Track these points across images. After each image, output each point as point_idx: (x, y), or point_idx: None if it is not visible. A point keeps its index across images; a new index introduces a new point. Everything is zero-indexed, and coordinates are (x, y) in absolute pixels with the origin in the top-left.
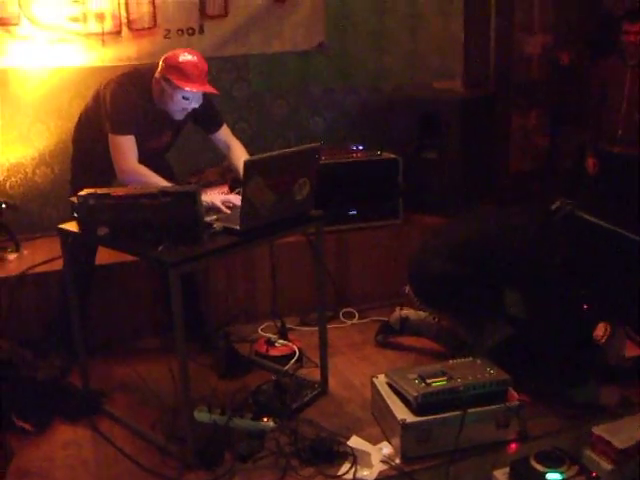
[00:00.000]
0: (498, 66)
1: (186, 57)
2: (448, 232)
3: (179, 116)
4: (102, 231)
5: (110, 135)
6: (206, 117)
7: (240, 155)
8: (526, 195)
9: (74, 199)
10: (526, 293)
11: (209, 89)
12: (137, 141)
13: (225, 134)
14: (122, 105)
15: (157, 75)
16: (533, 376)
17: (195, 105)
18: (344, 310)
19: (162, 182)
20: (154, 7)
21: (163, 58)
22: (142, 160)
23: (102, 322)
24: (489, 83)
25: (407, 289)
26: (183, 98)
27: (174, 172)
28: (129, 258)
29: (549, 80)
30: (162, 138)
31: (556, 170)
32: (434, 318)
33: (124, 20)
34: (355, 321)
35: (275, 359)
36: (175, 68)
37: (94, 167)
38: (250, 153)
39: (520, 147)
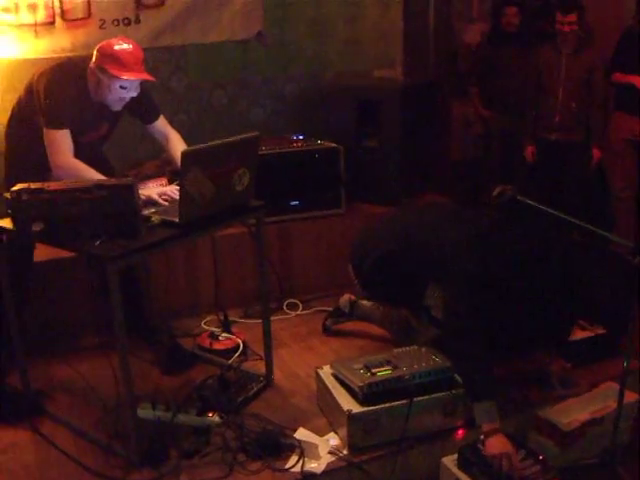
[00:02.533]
0: (437, 54)
1: (121, 45)
2: (392, 217)
3: (117, 107)
4: (37, 227)
5: (45, 129)
6: (143, 107)
7: (178, 146)
8: (466, 183)
9: (7, 195)
10: (449, 294)
11: (147, 77)
12: (73, 134)
13: (162, 125)
14: (57, 98)
15: (92, 65)
16: None
17: (133, 94)
18: (288, 301)
19: (98, 176)
20: None
21: (97, 48)
22: (78, 153)
23: (41, 321)
24: (429, 71)
25: (350, 270)
26: (120, 87)
27: (112, 166)
28: (67, 254)
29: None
30: (99, 130)
31: (494, 158)
32: (379, 306)
33: (57, 10)
34: (299, 312)
35: (219, 353)
36: (111, 57)
37: (29, 163)
38: (189, 144)
39: (459, 135)
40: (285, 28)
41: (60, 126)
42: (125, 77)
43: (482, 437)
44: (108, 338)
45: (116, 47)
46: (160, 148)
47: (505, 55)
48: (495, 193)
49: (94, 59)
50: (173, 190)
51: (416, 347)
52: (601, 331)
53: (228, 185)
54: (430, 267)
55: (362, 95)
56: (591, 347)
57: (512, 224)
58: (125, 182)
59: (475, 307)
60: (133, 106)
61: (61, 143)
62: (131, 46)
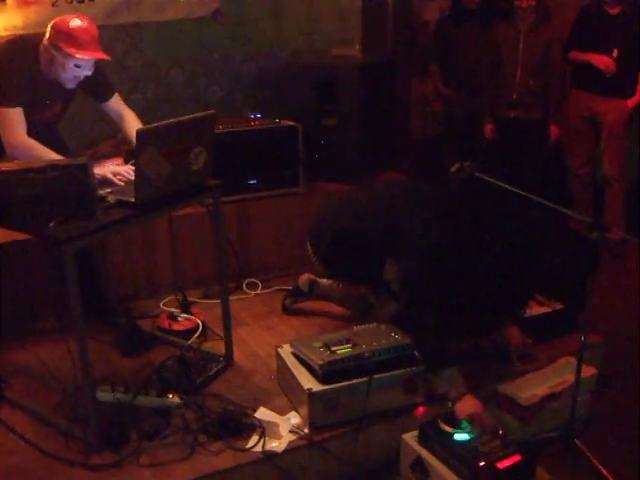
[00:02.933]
0: (396, 32)
1: (76, 23)
2: (350, 196)
3: (70, 85)
4: None
5: None
6: (97, 85)
7: (133, 124)
8: (426, 160)
9: None
10: (407, 268)
11: (102, 56)
12: (25, 113)
13: (117, 103)
14: (7, 75)
15: (45, 42)
16: None
17: (88, 73)
18: (247, 281)
19: (53, 155)
20: None
21: (51, 24)
22: (32, 132)
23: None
24: (387, 49)
25: (308, 246)
26: (75, 66)
27: (67, 145)
28: (22, 236)
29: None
30: (52, 108)
31: (452, 136)
32: (339, 285)
33: None
34: (259, 291)
35: (179, 334)
36: (65, 34)
37: None
38: (145, 124)
39: (420, 113)
40: (243, 6)
41: (12, 104)
42: (80, 56)
43: (451, 404)
44: (66, 321)
45: (71, 24)
46: (116, 127)
47: (465, 32)
48: (453, 169)
49: (47, 36)
50: (128, 170)
51: (376, 324)
52: (559, 306)
53: (184, 164)
54: (387, 241)
55: (320, 73)
56: (549, 322)
57: (469, 200)
58: (79, 161)
59: (430, 279)
60: (87, 84)
61: (13, 122)
62: (86, 23)
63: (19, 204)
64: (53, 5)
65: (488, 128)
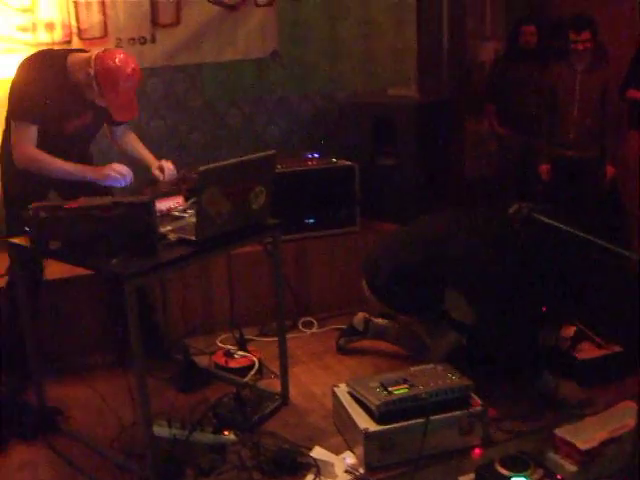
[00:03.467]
0: (451, 72)
1: (126, 83)
2: (404, 230)
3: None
4: (54, 244)
5: (12, 122)
6: None
7: (135, 139)
8: (480, 200)
9: (25, 212)
10: (473, 295)
11: (135, 114)
12: (54, 124)
13: (125, 126)
14: (31, 91)
15: (90, 71)
16: (493, 378)
17: None
18: (303, 319)
19: (64, 165)
20: (105, 16)
21: (99, 58)
22: (63, 143)
23: (56, 339)
24: (443, 89)
25: (362, 285)
26: None
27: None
28: (82, 271)
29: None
30: (82, 118)
31: (507, 176)
32: (394, 324)
33: (74, 30)
34: (315, 330)
35: (235, 371)
36: (112, 87)
37: (26, 181)
38: (204, 163)
39: (474, 152)
40: (300, 47)
41: (28, 120)
42: (119, 118)
43: None
44: (123, 356)
45: (121, 86)
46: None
47: (521, 73)
48: (512, 210)
49: (94, 67)
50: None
51: (432, 365)
52: (617, 349)
53: (245, 203)
54: (447, 270)
55: (377, 113)
56: (608, 366)
57: (526, 238)
58: (142, 200)
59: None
60: None
61: (25, 136)
62: (133, 82)
63: (83, 240)
64: (116, 46)
65: (544, 168)
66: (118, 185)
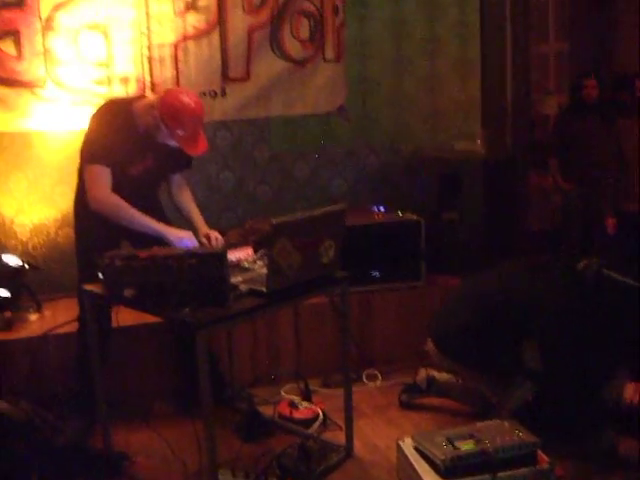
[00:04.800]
0: (515, 126)
1: (192, 120)
2: (470, 285)
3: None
4: (128, 292)
5: (85, 165)
6: (182, 155)
7: (190, 198)
8: (545, 254)
9: (100, 260)
10: (545, 346)
11: (204, 148)
12: (119, 168)
13: (182, 176)
14: (102, 136)
15: (154, 112)
16: (560, 435)
17: None
18: (367, 372)
19: (137, 214)
20: (177, 71)
21: (164, 101)
22: (127, 187)
23: (121, 385)
24: (507, 143)
25: (428, 344)
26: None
27: (163, 210)
28: (148, 319)
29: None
30: (145, 162)
31: (572, 230)
32: (458, 380)
33: (148, 83)
34: (378, 383)
35: (299, 422)
36: (180, 126)
37: (99, 230)
38: (271, 215)
39: (538, 207)
40: (367, 101)
41: (100, 162)
42: (190, 152)
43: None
44: (190, 403)
45: (186, 121)
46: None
47: (585, 126)
48: (581, 266)
49: (159, 109)
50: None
51: (499, 421)
52: None
53: (315, 256)
54: (521, 321)
55: (443, 168)
56: None
57: (595, 294)
58: (216, 251)
59: (574, 344)
60: (175, 151)
61: (101, 178)
62: (200, 121)
63: (155, 289)
64: (199, 98)
65: (610, 222)
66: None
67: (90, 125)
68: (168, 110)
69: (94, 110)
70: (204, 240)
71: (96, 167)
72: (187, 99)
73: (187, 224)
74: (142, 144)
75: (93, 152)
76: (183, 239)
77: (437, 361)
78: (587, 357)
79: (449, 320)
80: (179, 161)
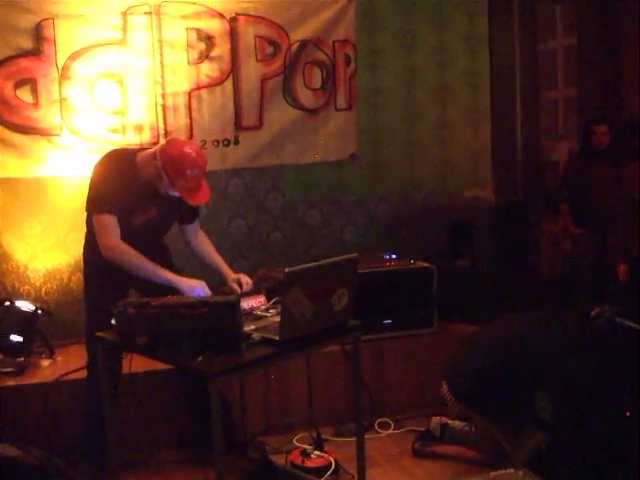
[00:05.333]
0: (526, 173)
1: (193, 171)
2: (485, 332)
3: (167, 192)
4: (141, 340)
5: (94, 215)
6: (189, 206)
7: (208, 243)
8: (557, 301)
9: (113, 307)
10: (557, 398)
11: (206, 197)
12: (124, 217)
13: (196, 225)
14: (107, 186)
15: (156, 163)
16: None
17: None
18: (379, 420)
19: (144, 261)
20: (191, 119)
21: (165, 151)
22: (132, 236)
23: (132, 432)
24: (517, 189)
25: (443, 387)
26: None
27: (171, 257)
28: (158, 367)
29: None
30: (148, 212)
31: (583, 276)
32: (472, 427)
33: (162, 131)
34: (391, 431)
35: (311, 470)
36: (181, 175)
37: (108, 279)
38: (284, 263)
39: (549, 253)
40: (378, 150)
41: (108, 211)
42: (190, 201)
43: None
44: (201, 452)
45: (188, 172)
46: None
47: (596, 172)
48: (594, 313)
49: (160, 159)
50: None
51: (513, 470)
52: None
53: (327, 305)
54: (533, 371)
55: (454, 215)
56: None
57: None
58: (229, 299)
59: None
60: (182, 204)
61: (110, 227)
62: (200, 169)
63: (168, 337)
64: (201, 148)
65: (622, 269)
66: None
67: (94, 174)
68: (169, 160)
69: (100, 158)
70: (234, 285)
71: (105, 216)
72: (189, 149)
73: (209, 271)
74: (145, 195)
75: (100, 201)
76: (196, 289)
77: (450, 405)
78: (600, 409)
79: (462, 365)
80: (185, 212)
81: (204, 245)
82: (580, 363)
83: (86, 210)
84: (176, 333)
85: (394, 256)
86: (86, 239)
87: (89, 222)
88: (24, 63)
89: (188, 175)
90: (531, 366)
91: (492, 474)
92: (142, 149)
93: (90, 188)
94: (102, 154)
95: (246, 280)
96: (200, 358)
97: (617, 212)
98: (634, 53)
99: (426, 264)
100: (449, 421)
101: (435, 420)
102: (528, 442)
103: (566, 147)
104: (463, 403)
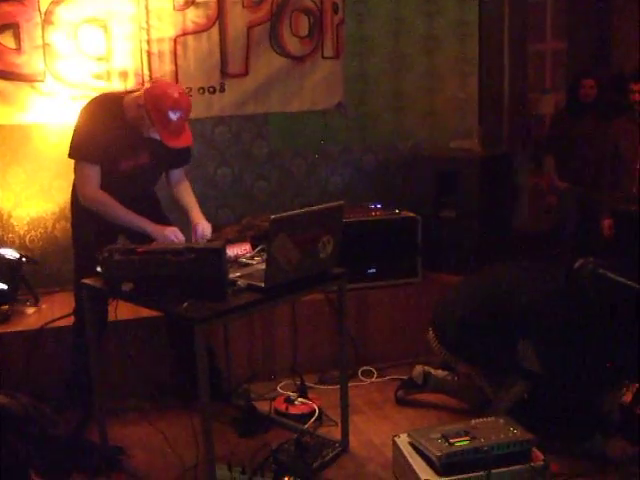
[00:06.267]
0: (512, 125)
1: (175, 114)
2: (472, 281)
3: (153, 136)
4: (127, 286)
5: (75, 162)
6: (180, 151)
7: (186, 188)
8: (540, 255)
9: (99, 254)
10: (542, 347)
11: (188, 142)
12: (112, 163)
13: (182, 172)
14: (92, 134)
15: (140, 102)
16: (554, 433)
17: None
18: (363, 368)
19: (121, 211)
20: (176, 66)
21: (150, 93)
22: (119, 183)
23: (119, 379)
24: (503, 142)
25: (430, 333)
26: None
27: (162, 209)
28: (146, 314)
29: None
30: (138, 158)
31: (568, 230)
32: (454, 377)
33: (147, 78)
34: (374, 379)
35: (295, 417)
36: (162, 116)
37: (96, 225)
38: (269, 211)
39: (533, 206)
40: (364, 99)
41: (89, 160)
42: (171, 144)
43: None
44: (188, 398)
45: (170, 114)
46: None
47: (582, 126)
48: (577, 265)
49: (143, 99)
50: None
51: (494, 419)
52: None
53: (313, 252)
54: (515, 320)
55: (440, 166)
56: None
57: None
58: (214, 246)
59: (569, 347)
60: (173, 150)
61: (90, 176)
62: (183, 113)
63: (154, 283)
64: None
65: (606, 223)
66: None
67: (79, 119)
68: (152, 100)
69: (85, 104)
70: (196, 234)
71: (85, 165)
72: (172, 91)
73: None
74: (134, 140)
75: (82, 149)
76: (167, 236)
77: (435, 350)
78: (582, 360)
79: (449, 312)
80: (177, 158)
81: (183, 191)
82: (564, 314)
83: (69, 156)
84: (161, 279)
85: (379, 206)
86: (73, 186)
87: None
88: (6, 7)
89: (170, 116)
90: (516, 316)
91: (474, 421)
92: (130, 92)
93: (73, 132)
94: (88, 99)
95: (202, 228)
96: (185, 304)
97: (602, 166)
98: (624, 7)
99: (411, 214)
100: (432, 370)
101: (418, 369)
102: (511, 391)
103: (553, 100)
104: (448, 349)
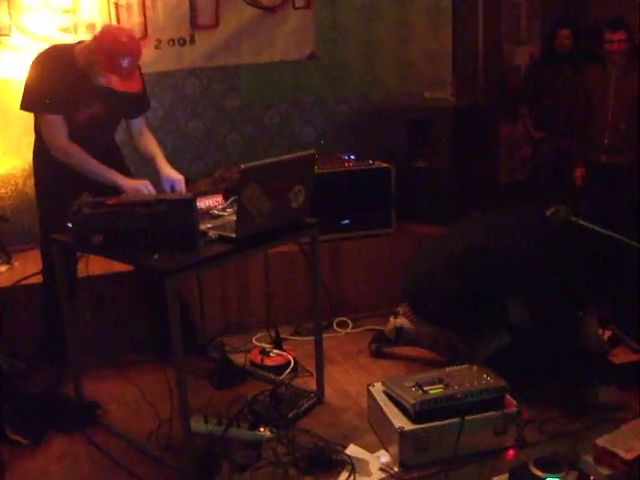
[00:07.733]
0: (486, 75)
1: (125, 58)
2: (445, 246)
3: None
4: (97, 239)
5: (39, 115)
6: (135, 99)
7: (151, 140)
8: (514, 204)
9: (67, 208)
10: (528, 299)
11: (136, 88)
12: (67, 114)
13: (142, 120)
14: (47, 84)
15: (91, 46)
16: (531, 383)
17: None
18: (338, 319)
19: (92, 163)
20: (145, 17)
21: (100, 35)
22: (76, 133)
23: (93, 335)
24: (477, 92)
25: (404, 307)
26: None
27: (123, 159)
28: (121, 268)
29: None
30: (92, 107)
31: (541, 179)
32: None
33: None
34: (349, 330)
35: (270, 369)
36: (110, 59)
37: (60, 181)
38: (243, 163)
39: (508, 156)
40: (337, 49)
41: (52, 110)
42: (118, 88)
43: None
44: (162, 352)
45: (120, 59)
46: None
47: (557, 76)
48: (549, 213)
49: (94, 43)
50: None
51: (468, 366)
52: None
53: (284, 202)
54: (503, 284)
55: (413, 116)
56: None
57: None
58: (184, 197)
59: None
60: (128, 98)
61: (55, 127)
62: (133, 58)
63: (125, 236)
64: (156, 47)
65: (578, 173)
66: None
67: (31, 71)
68: (100, 42)
69: (36, 56)
70: (166, 186)
71: (50, 116)
72: (122, 36)
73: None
74: (87, 89)
75: (40, 100)
76: (139, 189)
77: (413, 323)
78: (569, 306)
79: (425, 286)
80: (133, 106)
81: (146, 142)
82: (549, 266)
83: (22, 108)
84: (132, 231)
85: (353, 157)
86: (35, 141)
87: (36, 124)
88: None
89: (119, 61)
90: (502, 281)
91: (447, 369)
92: (80, 42)
93: (26, 87)
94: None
95: (175, 183)
96: (156, 256)
97: (576, 116)
98: None
99: (384, 164)
100: (405, 324)
101: (390, 324)
102: (490, 344)
103: (528, 51)
104: (429, 321)
